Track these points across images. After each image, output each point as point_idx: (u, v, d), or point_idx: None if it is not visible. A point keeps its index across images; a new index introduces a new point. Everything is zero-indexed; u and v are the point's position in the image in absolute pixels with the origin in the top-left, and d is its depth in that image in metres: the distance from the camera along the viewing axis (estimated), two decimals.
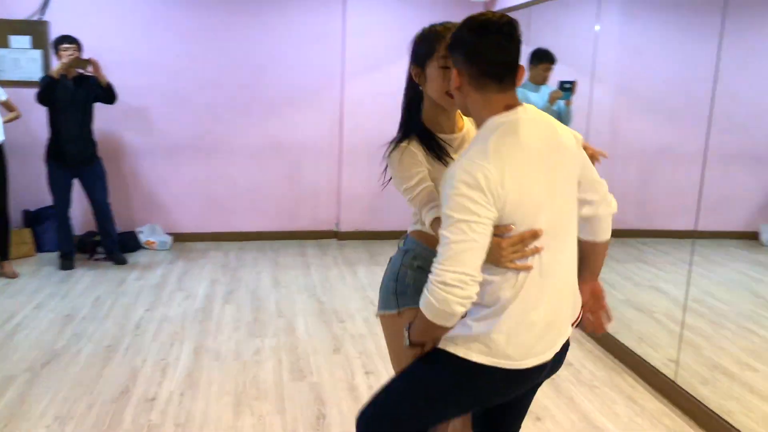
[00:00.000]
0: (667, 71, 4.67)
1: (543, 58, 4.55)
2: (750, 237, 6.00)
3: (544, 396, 3.11)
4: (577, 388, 3.23)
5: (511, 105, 1.50)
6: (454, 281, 1.37)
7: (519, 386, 1.60)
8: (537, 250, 1.49)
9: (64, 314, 3.98)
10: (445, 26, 1.73)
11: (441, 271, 1.39)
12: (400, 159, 1.74)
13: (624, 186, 5.30)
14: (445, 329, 1.51)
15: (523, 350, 1.51)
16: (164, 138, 5.70)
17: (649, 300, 4.53)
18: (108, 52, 5.22)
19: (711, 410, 2.91)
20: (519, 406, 1.78)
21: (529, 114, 1.51)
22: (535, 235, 1.47)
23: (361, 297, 4.44)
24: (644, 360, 3.44)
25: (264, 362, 3.39)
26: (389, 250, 5.75)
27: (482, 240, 1.41)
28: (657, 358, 3.46)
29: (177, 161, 5.76)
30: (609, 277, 4.49)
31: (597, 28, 4.49)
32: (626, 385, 3.30)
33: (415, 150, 1.73)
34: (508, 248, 1.46)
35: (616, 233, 5.24)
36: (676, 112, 5.03)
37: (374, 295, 4.46)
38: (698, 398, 3.01)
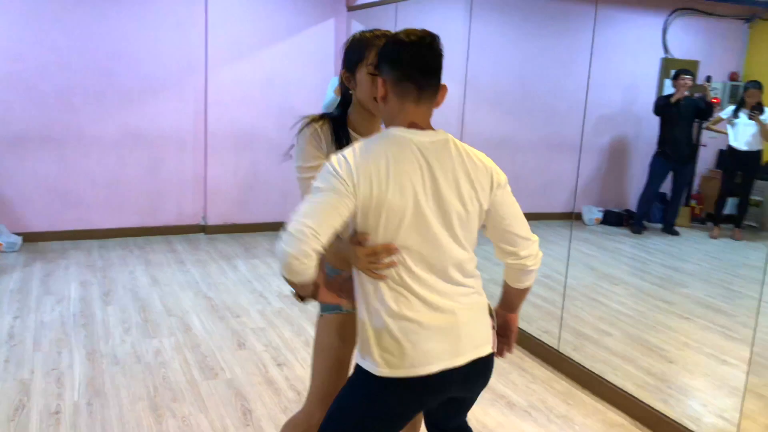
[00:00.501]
0: (507, 69, 5.09)
1: None
2: (570, 217, 6.84)
3: None
4: None
5: (415, 124, 1.53)
6: (295, 231, 1.40)
7: (418, 397, 1.58)
8: (391, 265, 1.50)
9: None
10: (373, 33, 1.79)
11: (289, 222, 1.43)
12: (308, 138, 1.78)
13: None
14: (309, 283, 1.52)
15: (412, 358, 1.52)
16: (4, 127, 5.13)
17: None
18: None
19: (592, 372, 3.33)
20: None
21: (431, 138, 1.53)
22: (388, 250, 1.49)
23: (250, 291, 4.38)
24: (527, 333, 3.82)
25: (169, 363, 3.26)
26: (263, 242, 5.70)
27: (335, 204, 1.43)
28: (534, 330, 3.85)
29: (21, 153, 5.22)
30: None
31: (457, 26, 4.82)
32: (515, 357, 3.65)
33: (322, 135, 1.78)
34: (362, 257, 1.49)
35: None
36: (514, 106, 5.55)
37: (262, 288, 4.43)
38: (581, 363, 3.42)
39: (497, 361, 3.47)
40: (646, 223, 6.59)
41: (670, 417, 2.92)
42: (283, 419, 2.79)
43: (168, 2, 5.48)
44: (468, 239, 1.59)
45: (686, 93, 5.93)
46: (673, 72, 6.15)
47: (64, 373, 3.09)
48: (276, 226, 6.07)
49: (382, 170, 1.47)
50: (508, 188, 1.63)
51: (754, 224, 5.92)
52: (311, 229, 1.39)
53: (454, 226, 1.54)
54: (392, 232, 1.50)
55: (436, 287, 1.55)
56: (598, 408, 3.12)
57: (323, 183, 1.46)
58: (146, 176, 5.65)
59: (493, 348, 1.65)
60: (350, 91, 1.85)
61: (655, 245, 6.45)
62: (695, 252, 6.29)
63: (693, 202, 6.51)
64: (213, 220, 5.89)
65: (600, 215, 6.89)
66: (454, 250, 1.56)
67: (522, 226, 1.64)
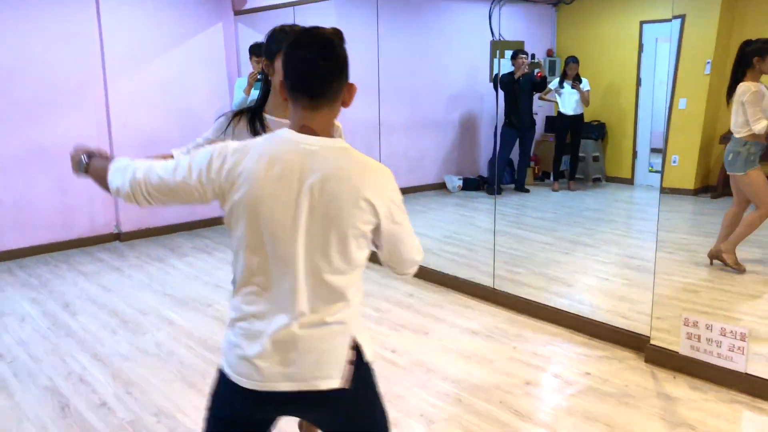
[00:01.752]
0: (375, 60, 5.72)
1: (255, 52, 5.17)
2: (438, 187, 7.81)
3: (416, 318, 3.99)
4: (430, 308, 4.18)
5: (308, 128, 1.45)
6: (137, 177, 1.50)
7: (237, 404, 1.54)
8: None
9: None
10: (292, 28, 2.05)
11: (145, 162, 1.54)
12: (215, 127, 2.11)
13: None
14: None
15: (231, 364, 1.51)
16: None
17: (422, 242, 5.77)
18: None
19: (525, 299, 4.15)
20: None
21: (322, 144, 1.45)
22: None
23: (204, 284, 4.66)
24: (463, 279, 4.54)
25: (176, 351, 3.54)
26: (185, 242, 5.90)
27: (186, 182, 1.46)
28: (465, 276, 4.58)
29: None
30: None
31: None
32: (460, 299, 4.37)
33: (232, 127, 2.06)
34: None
35: None
36: (383, 92, 6.25)
37: (214, 280, 4.72)
38: (514, 294, 4.22)
39: (449, 305, 4.16)
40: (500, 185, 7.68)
41: (595, 319, 3.81)
42: None
43: (58, 15, 5.43)
44: (341, 260, 1.45)
45: (527, 70, 7.04)
46: (511, 52, 7.23)
47: (83, 375, 3.27)
48: (190, 226, 6.26)
49: (255, 172, 1.42)
50: (402, 209, 1.52)
51: (581, 176, 7.23)
52: (134, 168, 1.51)
53: (328, 245, 1.44)
54: (249, 236, 1.45)
55: (278, 306, 1.47)
56: (538, 325, 3.93)
57: (199, 158, 1.47)
58: (54, 191, 5.57)
59: (344, 383, 1.49)
60: (269, 78, 2.07)
61: (514, 202, 7.55)
62: (546, 203, 7.50)
63: (532, 164, 7.72)
64: (126, 227, 5.95)
65: (461, 183, 7.89)
66: (316, 270, 1.45)
67: (415, 251, 1.58)
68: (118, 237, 5.95)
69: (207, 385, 3.15)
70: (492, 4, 6.61)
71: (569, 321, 3.90)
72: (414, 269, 1.62)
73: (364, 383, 1.55)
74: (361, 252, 1.48)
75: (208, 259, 5.24)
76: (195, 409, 2.93)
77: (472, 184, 8.02)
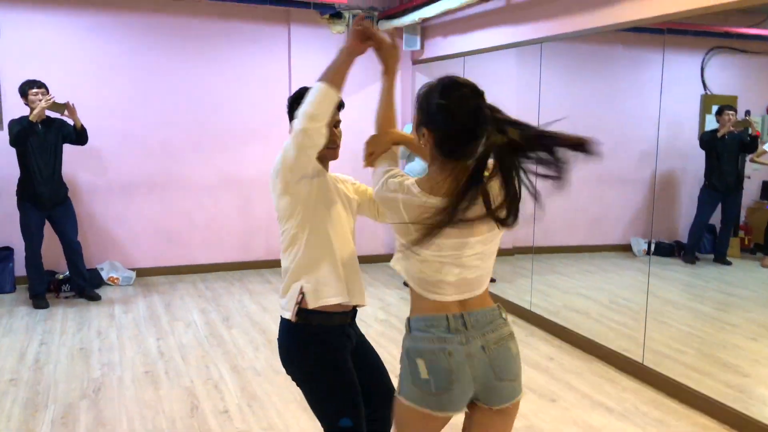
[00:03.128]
0: (557, 110, 5.52)
1: None
2: (623, 249, 7.19)
3: (548, 383, 3.76)
4: (567, 375, 3.92)
5: None
6: None
7: None
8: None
9: (78, 348, 4.03)
10: (450, 79, 1.91)
11: None
12: None
13: (526, 208, 6.25)
14: None
15: None
16: (118, 176, 5.78)
17: (583, 304, 5.41)
18: (57, 95, 4.89)
19: (678, 381, 3.70)
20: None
21: None
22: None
23: None
24: (611, 349, 4.20)
25: None
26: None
27: None
28: (616, 347, 4.23)
29: (131, 198, 5.85)
30: (543, 287, 5.31)
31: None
32: (601, 370, 4.04)
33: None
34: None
35: (521, 250, 6.20)
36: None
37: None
38: (666, 375, 3.79)
39: (588, 374, 3.86)
40: (697, 253, 6.91)
41: (757, 419, 3.28)
42: None
43: (256, 62, 6.16)
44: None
45: (732, 128, 6.35)
46: (716, 108, 6.58)
47: (218, 383, 3.57)
48: (362, 259, 6.55)
49: None
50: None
51: None
52: None
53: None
54: None
55: None
56: (687, 413, 3.48)
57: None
58: (238, 216, 6.22)
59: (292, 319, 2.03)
60: None
61: (709, 274, 6.74)
62: (750, 280, 6.58)
63: (741, 233, 6.84)
64: None
65: (646, 246, 7.23)
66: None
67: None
68: None
69: None
70: (706, 55, 6.22)
71: (727, 415, 3.40)
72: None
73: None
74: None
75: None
76: (301, 430, 3.05)
77: (664, 250, 7.34)
